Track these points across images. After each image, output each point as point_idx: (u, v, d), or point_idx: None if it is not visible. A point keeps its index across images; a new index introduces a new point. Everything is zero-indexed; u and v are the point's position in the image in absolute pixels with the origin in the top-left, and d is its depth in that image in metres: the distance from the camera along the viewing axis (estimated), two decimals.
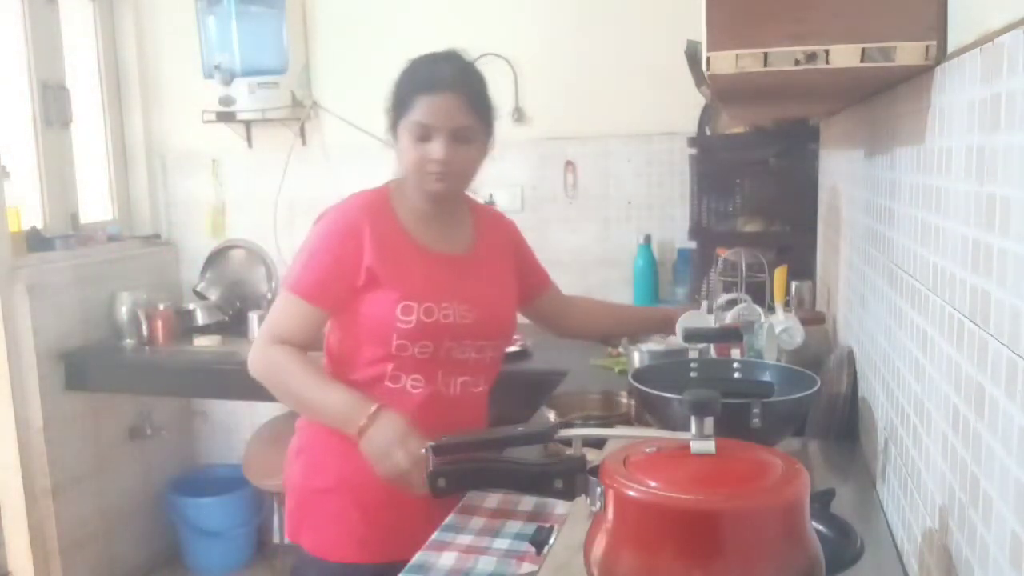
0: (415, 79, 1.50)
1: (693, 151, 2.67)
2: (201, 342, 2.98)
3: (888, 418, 1.25)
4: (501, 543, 1.26)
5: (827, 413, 1.50)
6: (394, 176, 1.60)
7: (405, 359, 1.51)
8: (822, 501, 1.07)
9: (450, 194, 1.55)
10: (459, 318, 1.52)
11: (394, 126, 1.53)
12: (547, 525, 1.05)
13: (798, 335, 1.64)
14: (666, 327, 1.90)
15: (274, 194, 3.25)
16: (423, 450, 1.33)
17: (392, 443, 1.38)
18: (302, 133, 3.22)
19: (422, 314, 1.49)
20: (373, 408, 1.41)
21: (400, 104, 1.51)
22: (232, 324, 3.08)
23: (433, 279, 1.53)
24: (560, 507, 1.33)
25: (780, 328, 1.64)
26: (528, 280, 1.76)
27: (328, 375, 1.53)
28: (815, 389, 1.29)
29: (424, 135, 1.48)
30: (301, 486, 1.60)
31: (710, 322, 1.75)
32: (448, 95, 1.47)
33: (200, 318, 3.08)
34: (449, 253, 1.58)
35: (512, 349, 2.54)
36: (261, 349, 1.51)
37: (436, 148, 1.47)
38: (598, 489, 0.79)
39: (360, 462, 1.42)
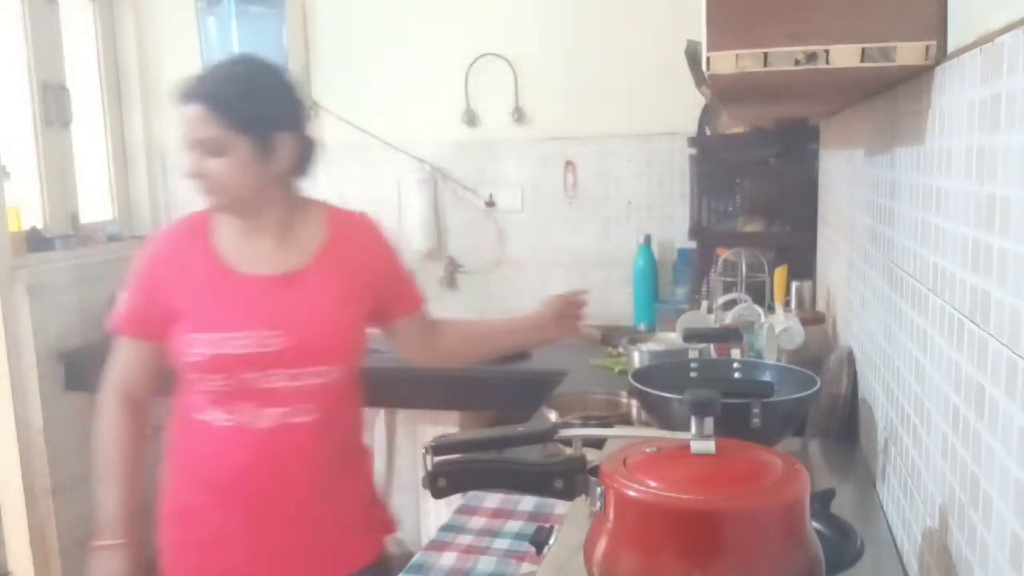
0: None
1: (693, 151, 2.67)
2: None
3: (888, 418, 1.25)
4: (501, 543, 1.26)
5: (827, 413, 1.50)
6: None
7: (204, 392, 1.44)
8: (822, 501, 1.07)
9: (224, 207, 1.45)
10: (260, 347, 1.41)
11: None
12: (547, 525, 1.05)
13: (798, 335, 1.65)
14: (540, 332, 1.72)
15: None
16: None
17: None
18: None
19: (211, 346, 1.41)
20: (113, 542, 1.45)
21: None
22: None
23: (229, 306, 1.44)
24: (560, 507, 1.33)
25: (780, 328, 1.64)
26: (387, 298, 1.58)
27: (125, 473, 1.49)
28: (815, 389, 1.29)
29: (186, 147, 1.44)
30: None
31: (710, 322, 1.75)
32: (192, 107, 1.41)
33: None
34: (266, 273, 1.46)
35: None
36: (104, 400, 1.50)
37: (184, 161, 1.43)
38: (598, 489, 0.79)
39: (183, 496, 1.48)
